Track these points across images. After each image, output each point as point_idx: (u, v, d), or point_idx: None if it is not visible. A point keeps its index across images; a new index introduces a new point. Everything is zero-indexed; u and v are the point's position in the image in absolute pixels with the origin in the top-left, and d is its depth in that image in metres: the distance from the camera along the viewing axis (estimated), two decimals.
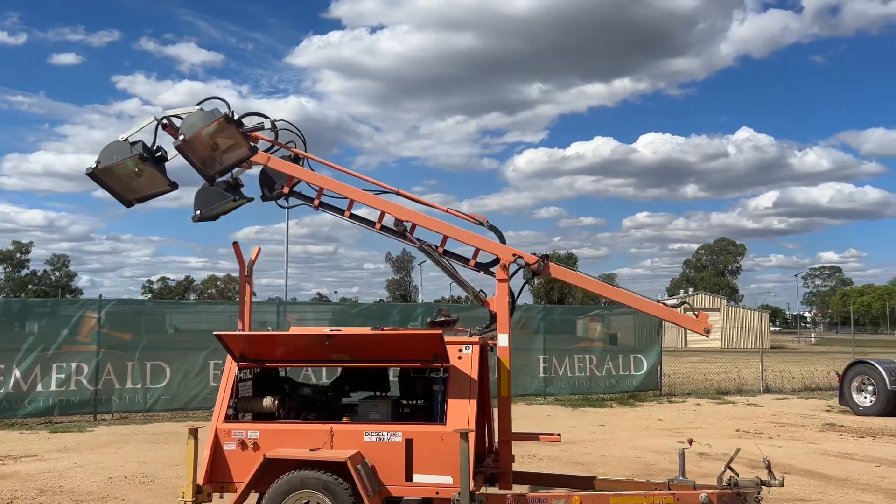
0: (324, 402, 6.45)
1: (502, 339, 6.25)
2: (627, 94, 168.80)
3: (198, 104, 5.71)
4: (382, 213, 6.40)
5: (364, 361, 6.13)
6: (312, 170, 6.52)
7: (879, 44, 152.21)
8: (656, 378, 18.93)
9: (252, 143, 5.94)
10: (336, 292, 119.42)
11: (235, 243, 6.56)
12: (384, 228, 6.44)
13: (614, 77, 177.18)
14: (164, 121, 5.81)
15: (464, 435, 5.30)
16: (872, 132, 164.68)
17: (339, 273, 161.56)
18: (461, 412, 5.65)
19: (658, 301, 6.32)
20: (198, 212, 6.19)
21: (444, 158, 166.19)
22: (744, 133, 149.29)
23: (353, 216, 6.43)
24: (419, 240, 6.39)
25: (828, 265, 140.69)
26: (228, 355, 6.11)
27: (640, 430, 13.07)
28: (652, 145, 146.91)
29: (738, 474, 5.74)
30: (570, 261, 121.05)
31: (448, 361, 5.84)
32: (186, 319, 18.40)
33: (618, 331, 19.02)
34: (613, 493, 5.74)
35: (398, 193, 6.47)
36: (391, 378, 6.69)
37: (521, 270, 6.27)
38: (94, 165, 5.69)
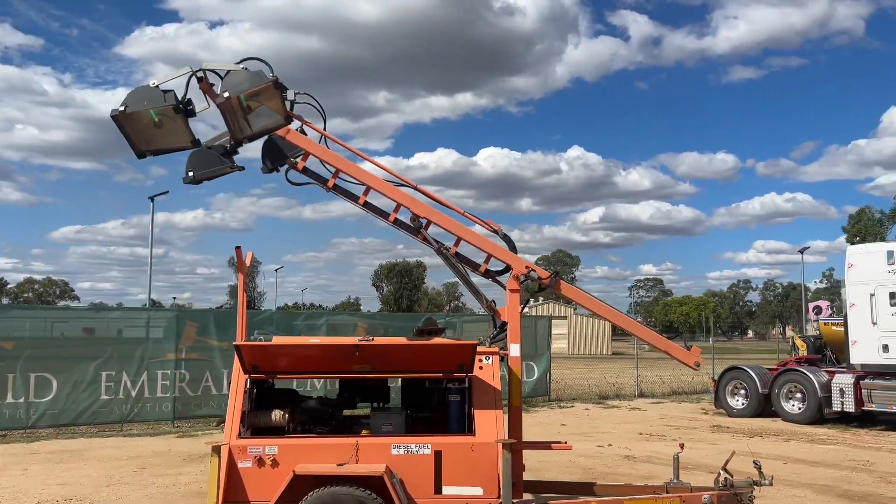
0: (330, 414, 6.19)
1: (514, 349, 6.31)
2: (469, 109, 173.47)
3: (239, 62, 5.36)
4: (398, 206, 6.26)
5: (385, 372, 5.97)
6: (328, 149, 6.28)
7: (694, 74, 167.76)
8: (546, 384, 19.70)
9: (288, 114, 5.65)
10: (175, 298, 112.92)
11: (238, 248, 6.15)
12: (398, 222, 6.31)
13: (457, 91, 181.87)
14: (200, 73, 5.43)
15: (507, 446, 5.31)
16: (687, 155, 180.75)
17: (169, 277, 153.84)
18: (489, 423, 5.66)
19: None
20: (191, 173, 5.75)
21: None
22: (575, 151, 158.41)
23: (367, 204, 6.26)
24: (437, 241, 6.31)
25: (650, 277, 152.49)
26: (237, 366, 5.70)
27: (553, 436, 13.52)
28: (491, 159, 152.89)
29: (732, 475, 6.16)
30: (419, 268, 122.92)
31: (472, 372, 5.84)
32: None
33: None
34: (627, 497, 5.97)
35: (416, 188, 6.35)
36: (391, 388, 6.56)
37: (527, 282, 6.39)
38: (120, 108, 5.23)
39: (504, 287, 6.51)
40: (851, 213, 52.27)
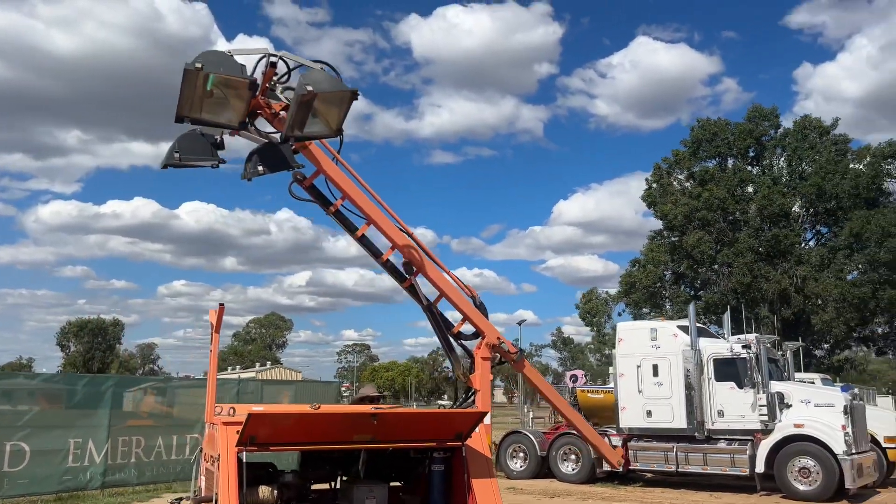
0: (306, 488, 5.53)
1: (486, 418, 6.29)
2: None
3: (316, 61, 5.14)
4: (393, 248, 6.03)
5: (384, 442, 5.53)
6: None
7: (401, 153, 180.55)
8: None
9: (340, 129, 5.49)
10: None
11: (221, 305, 5.35)
12: (388, 263, 6.07)
13: (162, 139, 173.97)
14: (275, 59, 5.29)
15: None
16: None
17: None
18: (488, 493, 5.54)
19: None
20: (177, 154, 5.49)
21: None
22: (285, 213, 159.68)
23: (363, 238, 5.97)
24: (427, 298, 6.13)
25: (357, 342, 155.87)
26: (224, 438, 4.89)
27: None
28: (195, 214, 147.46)
29: None
30: (116, 327, 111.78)
31: (468, 440, 5.70)
32: None
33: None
34: None
35: (409, 235, 6.14)
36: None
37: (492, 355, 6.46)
38: (197, 65, 4.85)
39: (468, 352, 6.51)
40: (584, 293, 60.15)
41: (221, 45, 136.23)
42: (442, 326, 6.24)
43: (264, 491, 5.08)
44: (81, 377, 17.32)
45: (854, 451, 14.27)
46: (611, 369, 26.98)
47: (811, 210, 35.80)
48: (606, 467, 16.60)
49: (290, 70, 5.18)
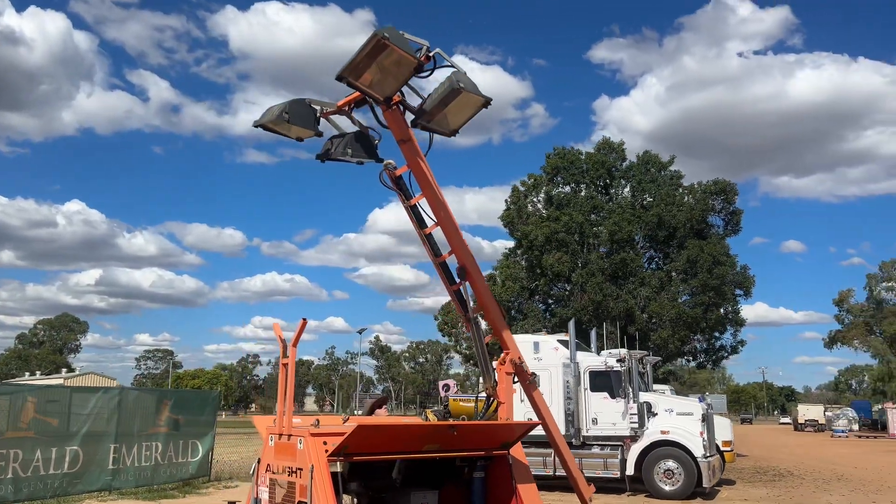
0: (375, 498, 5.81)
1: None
2: None
3: (458, 75, 5.55)
4: (451, 252, 6.47)
5: (447, 451, 5.93)
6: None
7: (212, 149, 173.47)
8: (208, 464, 18.56)
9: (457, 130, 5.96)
10: None
11: (304, 319, 5.53)
12: (443, 264, 6.48)
13: None
14: (433, 53, 5.48)
15: None
16: (197, 226, 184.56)
17: None
18: (533, 497, 6.05)
19: None
20: (286, 115, 5.62)
21: None
22: (76, 205, 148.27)
23: (429, 235, 6.36)
24: (475, 311, 6.54)
25: (159, 348, 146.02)
26: (314, 449, 5.07)
27: None
28: None
29: None
30: None
31: (513, 447, 6.21)
32: None
33: (179, 415, 18.08)
34: None
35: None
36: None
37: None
38: (385, 34, 5.09)
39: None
40: (445, 303, 61.30)
41: (10, 14, 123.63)
42: (482, 338, 6.72)
43: (346, 500, 5.30)
44: None
45: (709, 454, 16.21)
46: (482, 379, 28.13)
47: (652, 237, 39.40)
48: None
49: (435, 67, 5.49)
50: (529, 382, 7.20)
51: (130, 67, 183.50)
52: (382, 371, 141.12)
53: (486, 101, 5.61)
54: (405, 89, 5.65)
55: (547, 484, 18.02)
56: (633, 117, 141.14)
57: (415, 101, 5.85)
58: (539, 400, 7.41)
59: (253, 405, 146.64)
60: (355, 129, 6.14)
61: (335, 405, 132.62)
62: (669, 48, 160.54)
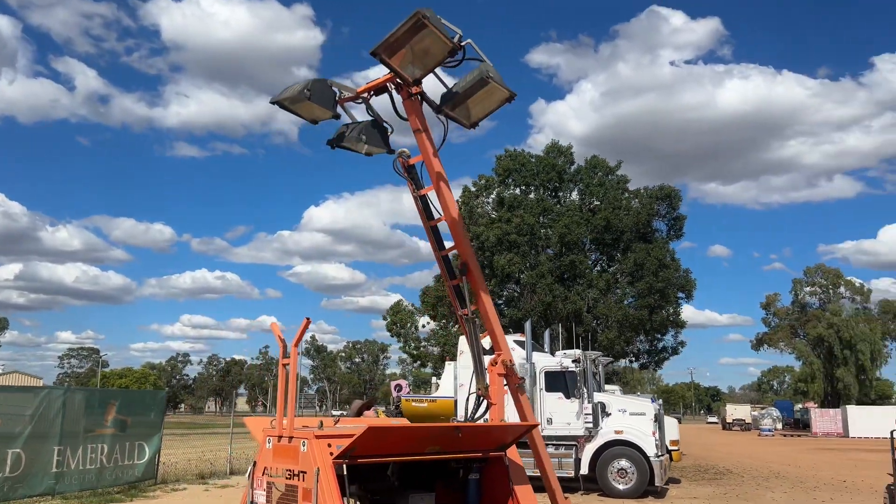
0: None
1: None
2: None
3: (487, 66, 5.62)
4: (453, 247, 6.49)
5: (446, 453, 5.87)
6: None
7: (141, 141, 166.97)
8: (155, 466, 18.03)
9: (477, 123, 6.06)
10: None
11: (307, 319, 5.35)
12: (445, 258, 6.46)
13: None
14: (465, 43, 5.46)
15: None
16: (124, 221, 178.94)
17: None
18: (528, 497, 6.05)
19: None
20: (307, 92, 5.60)
21: None
22: None
23: (434, 229, 6.34)
24: (472, 310, 6.50)
25: (84, 346, 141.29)
26: (318, 450, 4.94)
27: None
28: None
29: None
30: None
31: (509, 449, 6.20)
32: None
33: (127, 416, 17.49)
34: None
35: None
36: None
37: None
38: (426, 16, 5.20)
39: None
40: (394, 304, 60.94)
41: None
42: (478, 337, 6.67)
43: (351, 502, 5.18)
44: None
45: (660, 454, 16.57)
46: (434, 380, 28.15)
47: (599, 240, 40.08)
48: None
49: (464, 57, 5.47)
50: (518, 386, 7.19)
51: (56, 54, 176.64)
52: (318, 371, 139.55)
53: (511, 96, 5.66)
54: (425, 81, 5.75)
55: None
56: (568, 121, 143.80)
57: (435, 93, 5.98)
58: (525, 404, 7.41)
59: (182, 405, 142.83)
60: (368, 119, 6.13)
61: (267, 405, 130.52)
62: (604, 54, 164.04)
